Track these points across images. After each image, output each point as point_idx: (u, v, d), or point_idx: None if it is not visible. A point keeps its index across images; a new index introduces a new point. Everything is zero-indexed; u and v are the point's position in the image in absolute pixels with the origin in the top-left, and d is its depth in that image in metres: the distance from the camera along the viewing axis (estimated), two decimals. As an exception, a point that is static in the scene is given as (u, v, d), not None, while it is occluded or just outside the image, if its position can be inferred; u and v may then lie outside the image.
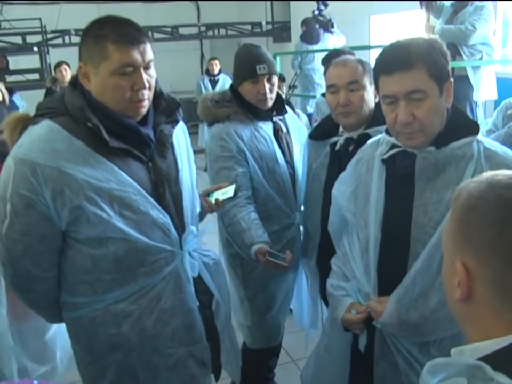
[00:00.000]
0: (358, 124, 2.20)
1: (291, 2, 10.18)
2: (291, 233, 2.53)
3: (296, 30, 10.04)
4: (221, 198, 2.05)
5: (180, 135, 1.88)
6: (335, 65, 2.23)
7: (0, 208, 1.58)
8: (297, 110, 4.29)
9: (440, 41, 1.60)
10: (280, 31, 10.45)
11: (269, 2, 10.93)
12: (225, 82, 8.48)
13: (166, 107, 1.78)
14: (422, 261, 1.60)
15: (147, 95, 1.63)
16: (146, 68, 1.60)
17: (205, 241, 1.98)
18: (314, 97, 4.42)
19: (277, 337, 2.67)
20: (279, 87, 4.16)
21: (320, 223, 2.36)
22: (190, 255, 1.81)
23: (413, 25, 6.89)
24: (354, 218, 1.81)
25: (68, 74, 6.55)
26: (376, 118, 2.18)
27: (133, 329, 1.69)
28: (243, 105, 2.42)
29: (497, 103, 4.50)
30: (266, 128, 2.47)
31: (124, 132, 1.63)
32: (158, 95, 1.75)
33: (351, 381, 1.91)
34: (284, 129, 2.55)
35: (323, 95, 4.20)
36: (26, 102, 5.92)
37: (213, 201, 2.04)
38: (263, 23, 10.51)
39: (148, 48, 1.60)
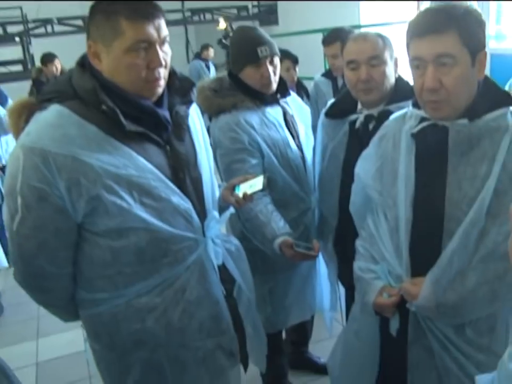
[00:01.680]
0: (379, 100, 2.11)
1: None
2: (308, 218, 2.46)
3: (283, 12, 9.93)
4: (249, 191, 1.91)
5: (194, 116, 1.78)
6: (354, 40, 2.12)
7: (10, 203, 1.47)
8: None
9: (478, 10, 1.52)
10: (267, 14, 10.29)
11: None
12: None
13: (180, 87, 1.67)
14: (458, 239, 1.52)
15: (163, 73, 1.53)
16: (162, 44, 1.50)
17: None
18: (311, 78, 4.31)
19: (295, 318, 2.59)
20: (288, 69, 4.07)
21: (338, 204, 2.28)
22: (213, 242, 1.72)
23: (402, 7, 6.84)
24: (381, 197, 1.74)
25: (59, 67, 6.47)
26: (397, 94, 2.11)
27: (158, 324, 1.60)
28: (247, 92, 2.31)
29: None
30: (274, 113, 2.37)
31: (139, 114, 1.52)
32: (170, 74, 1.63)
33: (382, 366, 1.84)
34: (290, 112, 2.46)
35: (323, 75, 4.12)
36: (11, 94, 5.77)
37: (240, 195, 1.89)
38: (249, 6, 10.36)
39: (163, 23, 1.49)
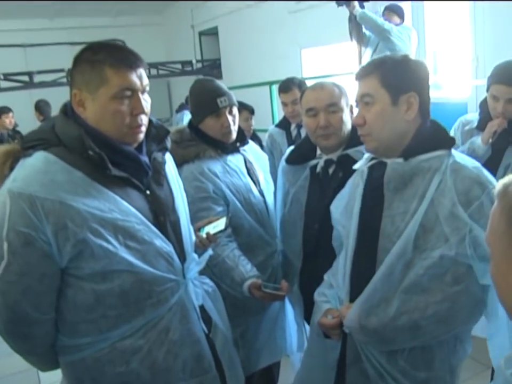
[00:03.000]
0: (338, 145, 2.24)
1: (220, 39, 10.30)
2: (275, 261, 2.52)
3: (227, 67, 10.18)
4: (212, 231, 1.99)
5: (169, 163, 1.85)
6: (312, 89, 2.27)
7: None
8: (264, 143, 4.29)
9: (416, 60, 1.73)
10: (211, 69, 10.52)
11: (197, 41, 11.03)
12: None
13: (156, 134, 1.75)
14: (384, 269, 1.64)
15: (145, 120, 1.61)
16: (143, 92, 1.58)
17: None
18: (260, 130, 4.46)
19: (266, 360, 2.61)
20: (247, 119, 4.19)
21: (302, 246, 2.36)
22: (192, 283, 1.76)
23: (343, 56, 7.15)
24: (343, 230, 1.87)
25: (13, 121, 6.45)
26: (354, 139, 2.22)
27: (143, 365, 1.62)
28: (208, 142, 2.38)
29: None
30: (235, 160, 2.45)
31: (122, 160, 1.58)
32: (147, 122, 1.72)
33: None
34: (249, 159, 2.55)
35: (277, 125, 4.26)
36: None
37: (204, 235, 1.97)
38: (193, 61, 10.57)
39: (144, 73, 1.58)
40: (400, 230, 1.63)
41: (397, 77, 1.65)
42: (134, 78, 1.53)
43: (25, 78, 8.89)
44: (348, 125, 2.25)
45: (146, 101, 1.59)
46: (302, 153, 2.38)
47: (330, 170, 2.25)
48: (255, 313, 2.48)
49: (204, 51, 11.07)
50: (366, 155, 1.86)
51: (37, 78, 8.89)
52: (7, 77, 8.68)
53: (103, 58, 1.51)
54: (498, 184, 1.03)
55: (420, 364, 1.68)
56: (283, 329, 2.64)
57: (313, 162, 2.31)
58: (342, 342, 1.83)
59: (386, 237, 1.66)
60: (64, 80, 9.10)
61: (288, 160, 2.43)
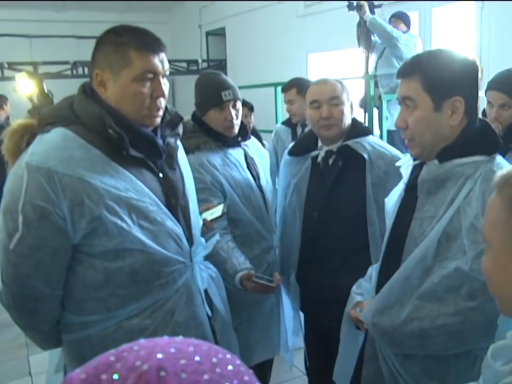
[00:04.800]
0: (338, 137, 2.33)
1: (227, 40, 10.34)
2: (271, 256, 2.53)
3: (232, 68, 10.22)
4: (209, 218, 2.02)
5: (180, 149, 1.87)
6: (316, 83, 2.38)
7: (9, 221, 1.48)
8: (264, 141, 4.31)
9: (465, 58, 1.60)
10: (216, 69, 10.51)
11: (204, 40, 11.06)
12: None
13: (170, 120, 1.77)
14: (402, 271, 1.62)
15: (164, 103, 1.63)
16: (163, 76, 1.61)
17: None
18: (263, 131, 4.49)
19: (259, 356, 2.61)
20: (245, 116, 4.23)
21: (300, 235, 2.42)
22: (198, 267, 1.79)
23: (348, 62, 7.20)
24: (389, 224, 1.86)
25: (7, 109, 6.45)
26: (353, 131, 2.35)
27: None
28: (210, 134, 2.42)
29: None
30: (236, 154, 2.48)
31: (139, 141, 1.60)
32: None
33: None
34: (250, 154, 2.58)
35: (283, 123, 4.30)
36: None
37: (201, 222, 1.99)
38: (199, 60, 10.60)
39: (165, 57, 1.61)
40: (425, 235, 1.58)
41: (440, 80, 1.54)
42: (156, 61, 1.56)
43: (30, 68, 8.89)
44: (348, 119, 2.35)
45: (165, 85, 1.62)
46: (304, 145, 2.49)
47: (331, 161, 2.35)
48: (249, 307, 2.48)
49: (210, 51, 11.11)
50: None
51: (42, 69, 8.89)
52: (11, 65, 8.68)
53: (128, 41, 1.53)
54: (496, 177, 1.03)
55: (434, 373, 1.62)
56: (278, 326, 2.65)
57: (314, 153, 2.41)
58: (364, 336, 1.84)
59: (413, 239, 1.63)
60: (69, 72, 9.12)
61: (291, 152, 2.52)
